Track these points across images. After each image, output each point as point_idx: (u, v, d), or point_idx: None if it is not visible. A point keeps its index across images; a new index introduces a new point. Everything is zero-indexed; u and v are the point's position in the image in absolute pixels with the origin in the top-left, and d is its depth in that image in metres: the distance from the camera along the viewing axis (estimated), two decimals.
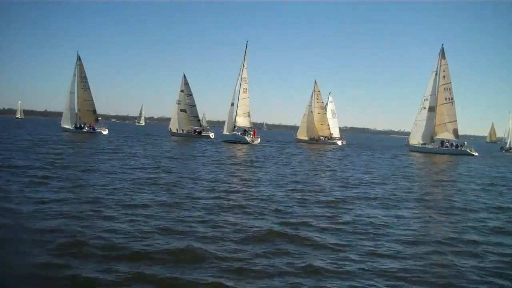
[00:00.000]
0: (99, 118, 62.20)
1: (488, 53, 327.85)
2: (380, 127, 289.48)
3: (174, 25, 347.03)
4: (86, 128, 58.59)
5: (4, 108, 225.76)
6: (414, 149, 55.80)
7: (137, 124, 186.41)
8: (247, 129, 58.87)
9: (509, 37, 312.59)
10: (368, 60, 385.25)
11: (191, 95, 64.43)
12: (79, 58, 58.36)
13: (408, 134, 63.17)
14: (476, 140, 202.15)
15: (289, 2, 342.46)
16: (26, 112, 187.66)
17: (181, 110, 64.18)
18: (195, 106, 64.52)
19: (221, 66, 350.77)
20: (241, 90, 58.14)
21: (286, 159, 34.05)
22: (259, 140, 57.14)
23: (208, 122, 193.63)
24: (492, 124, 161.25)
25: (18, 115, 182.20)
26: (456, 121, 54.42)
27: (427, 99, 55.78)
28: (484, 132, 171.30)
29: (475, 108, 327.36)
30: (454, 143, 54.86)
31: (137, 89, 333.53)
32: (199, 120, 65.36)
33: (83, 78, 58.69)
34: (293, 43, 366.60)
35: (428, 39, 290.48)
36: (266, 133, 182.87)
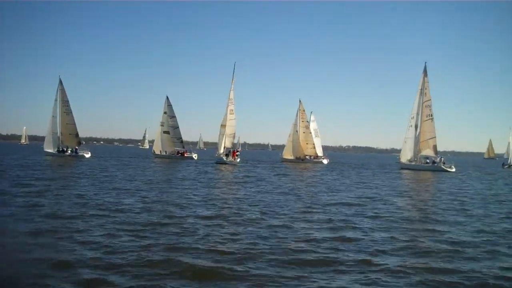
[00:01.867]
0: (82, 142, 62.26)
1: (487, 67, 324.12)
2: (383, 146, 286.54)
3: (171, 45, 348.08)
4: (69, 151, 58.71)
5: (7, 134, 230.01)
6: (404, 166, 56.29)
7: (140, 147, 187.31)
8: (230, 149, 59.16)
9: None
10: (370, 77, 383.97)
11: (174, 117, 64.86)
12: (60, 83, 58.85)
13: None
14: (473, 157, 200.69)
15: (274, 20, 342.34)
16: (30, 138, 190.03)
17: (164, 132, 64.59)
18: (178, 127, 64.88)
19: (220, 86, 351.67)
20: (228, 111, 58.39)
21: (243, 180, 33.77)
22: (238, 159, 57.08)
23: (206, 143, 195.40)
24: (490, 141, 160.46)
25: (22, 141, 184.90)
26: (435, 137, 54.96)
27: (413, 117, 56.65)
28: (482, 148, 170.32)
29: (473, 123, 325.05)
30: (431, 160, 54.81)
31: (141, 112, 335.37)
32: (182, 142, 65.49)
33: (65, 102, 59.00)
34: (286, 61, 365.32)
35: (430, 52, 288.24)
36: (269, 153, 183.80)
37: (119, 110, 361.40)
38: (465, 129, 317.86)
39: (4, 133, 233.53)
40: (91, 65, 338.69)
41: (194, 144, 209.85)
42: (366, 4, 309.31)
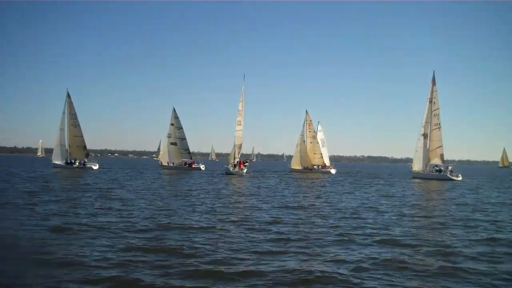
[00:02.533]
0: (91, 154, 62.72)
1: (501, 73, 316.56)
2: (398, 155, 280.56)
3: (184, 54, 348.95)
4: (77, 163, 59.23)
5: (23, 147, 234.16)
6: (416, 175, 56.08)
7: (155, 159, 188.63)
8: (238, 159, 59.44)
9: None
10: (384, 86, 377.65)
11: (181, 128, 65.04)
12: (68, 95, 59.74)
13: None
14: (488, 165, 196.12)
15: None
16: (47, 150, 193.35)
17: (172, 143, 64.71)
18: (185, 139, 65.00)
19: (233, 96, 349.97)
20: (236, 122, 58.57)
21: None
22: (245, 170, 56.71)
23: (219, 154, 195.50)
24: (504, 149, 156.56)
25: (39, 153, 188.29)
26: (442, 146, 54.63)
27: (423, 126, 56.30)
28: (497, 157, 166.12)
29: (488, 131, 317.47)
30: (437, 168, 54.58)
31: (155, 124, 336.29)
32: (189, 153, 65.52)
33: (72, 115, 59.82)
34: (299, 71, 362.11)
35: (443, 58, 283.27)
36: (283, 163, 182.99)
37: (134, 123, 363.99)
38: (480, 137, 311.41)
39: (20, 146, 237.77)
40: (105, 77, 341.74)
41: (206, 155, 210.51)
42: (376, 12, 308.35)
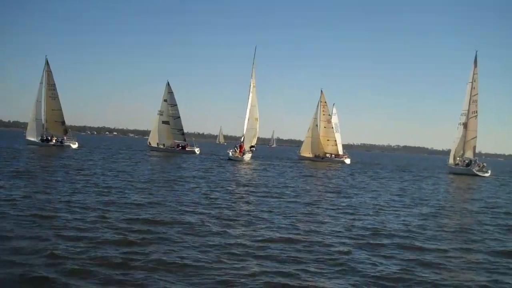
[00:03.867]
0: (69, 130, 55.06)
1: None
2: (438, 147, 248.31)
3: (194, 36, 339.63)
4: (54, 141, 51.75)
5: (9, 121, 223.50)
6: (451, 169, 49.90)
7: None
8: (237, 144, 53.68)
9: None
10: (423, 70, 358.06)
11: (175, 105, 56.80)
12: (47, 63, 52.65)
13: None
14: None
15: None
16: None
17: (164, 122, 56.42)
18: (179, 117, 56.60)
19: (245, 75, 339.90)
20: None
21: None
22: (245, 156, 48.68)
23: (226, 137, 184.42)
24: None
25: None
26: (476, 137, 48.50)
27: (463, 113, 49.41)
28: None
29: None
30: (467, 162, 48.45)
31: (157, 103, 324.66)
32: (183, 134, 56.95)
33: (51, 86, 52.75)
34: (326, 56, 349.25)
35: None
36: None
37: (138, 103, 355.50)
38: None
39: (6, 120, 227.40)
40: (113, 55, 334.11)
41: (214, 137, 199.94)
42: None
